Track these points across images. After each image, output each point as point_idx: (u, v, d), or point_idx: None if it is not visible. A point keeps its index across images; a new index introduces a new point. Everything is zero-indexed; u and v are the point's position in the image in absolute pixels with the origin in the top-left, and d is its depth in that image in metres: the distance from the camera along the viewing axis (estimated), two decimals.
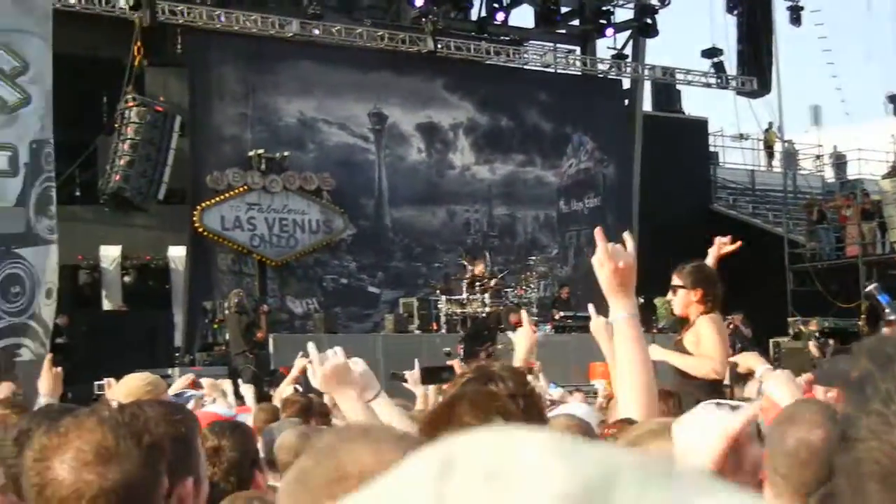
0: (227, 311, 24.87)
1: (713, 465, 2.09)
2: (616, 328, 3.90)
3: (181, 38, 29.48)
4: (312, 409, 9.17)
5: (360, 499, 0.60)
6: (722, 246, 8.86)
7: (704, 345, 8.19)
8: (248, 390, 11.11)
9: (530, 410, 3.70)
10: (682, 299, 8.39)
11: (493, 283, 27.58)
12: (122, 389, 6.35)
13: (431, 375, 8.37)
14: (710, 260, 8.74)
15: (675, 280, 8.45)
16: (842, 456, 1.28)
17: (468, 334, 25.10)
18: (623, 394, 3.96)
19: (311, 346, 5.25)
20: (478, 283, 27.48)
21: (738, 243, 8.84)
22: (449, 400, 3.29)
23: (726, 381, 8.56)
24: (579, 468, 0.58)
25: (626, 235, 4.02)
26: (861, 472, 1.24)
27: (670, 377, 8.34)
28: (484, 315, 26.56)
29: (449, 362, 9.82)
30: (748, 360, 7.24)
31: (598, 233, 3.99)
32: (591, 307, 4.07)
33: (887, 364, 1.26)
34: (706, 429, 2.16)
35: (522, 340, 6.68)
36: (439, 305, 27.68)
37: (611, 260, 3.83)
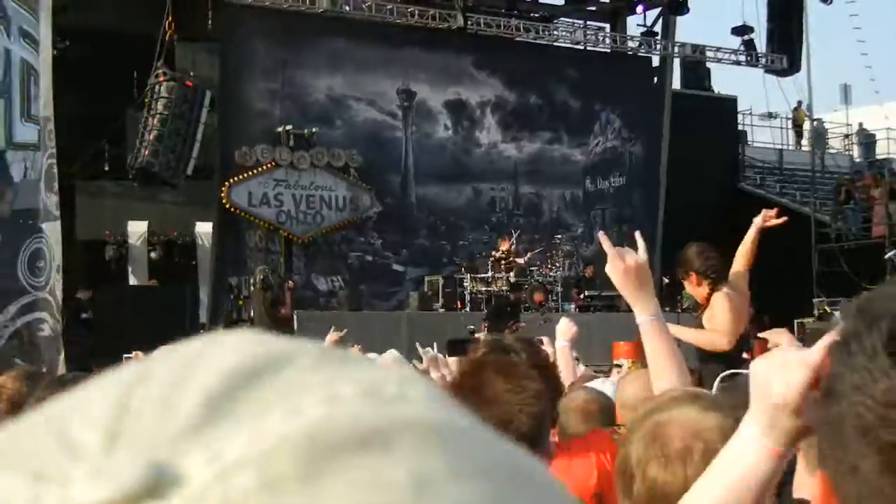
0: (252, 287, 24.94)
1: (796, 397, 2.02)
2: (642, 330, 3.90)
3: (212, 13, 29.41)
4: None
5: (52, 407, 0.63)
6: (768, 217, 8.76)
7: (716, 319, 8.34)
8: None
9: (547, 378, 3.77)
10: (689, 288, 8.61)
11: (520, 260, 27.62)
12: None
13: (456, 348, 8.51)
14: (750, 232, 8.69)
15: (679, 276, 8.65)
16: (824, 411, 1.32)
17: (491, 312, 25.10)
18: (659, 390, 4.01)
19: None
20: (503, 262, 27.49)
21: (784, 218, 8.74)
22: (474, 365, 3.34)
23: (746, 356, 8.59)
24: (260, 348, 0.64)
25: (637, 235, 4.03)
26: (842, 427, 1.27)
27: (692, 356, 8.45)
28: (506, 293, 26.51)
29: (477, 335, 9.93)
30: (779, 336, 7.28)
31: (602, 238, 4.00)
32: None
33: (874, 322, 1.28)
34: (785, 362, 2.09)
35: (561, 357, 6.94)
36: (464, 283, 27.68)
37: (621, 263, 3.82)
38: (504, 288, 27.08)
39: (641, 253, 3.88)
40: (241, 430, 0.57)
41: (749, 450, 2.08)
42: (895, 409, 1.25)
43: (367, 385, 0.61)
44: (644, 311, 3.82)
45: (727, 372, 5.66)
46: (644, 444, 2.65)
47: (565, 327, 7.36)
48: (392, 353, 5.26)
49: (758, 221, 8.69)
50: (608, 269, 3.85)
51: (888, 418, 1.25)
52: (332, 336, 10.94)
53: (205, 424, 0.58)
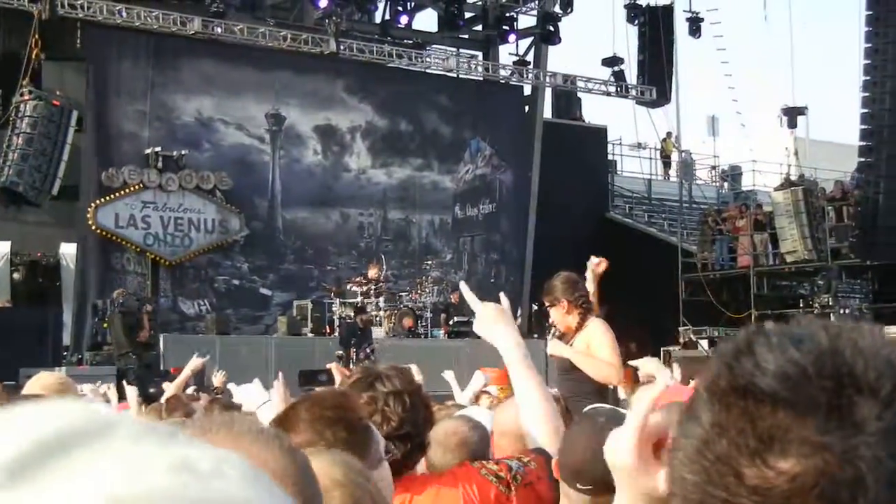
0: (111, 311, 24.63)
1: (627, 458, 2.02)
2: (508, 366, 3.90)
3: (81, 33, 29.10)
4: (191, 409, 9.14)
5: None
6: (595, 268, 9.09)
7: (600, 350, 8.33)
8: (131, 391, 11.05)
9: (416, 408, 3.73)
10: (557, 316, 8.58)
11: (386, 286, 27.70)
12: (36, 385, 6.39)
13: (309, 379, 8.50)
14: (589, 284, 8.92)
15: (545, 301, 8.67)
16: (666, 466, 1.37)
17: (343, 338, 24.98)
18: (530, 426, 3.97)
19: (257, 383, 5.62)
20: (372, 287, 27.50)
21: (604, 261, 9.15)
22: (299, 399, 3.31)
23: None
24: (77, 418, 0.64)
25: (502, 296, 4.05)
26: (672, 480, 1.29)
27: (557, 381, 8.48)
28: (352, 317, 26.35)
29: (328, 365, 9.97)
30: (649, 366, 7.37)
31: (463, 289, 4.00)
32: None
33: (712, 385, 1.29)
34: (619, 430, 2.09)
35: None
36: (333, 308, 27.62)
37: (489, 322, 3.85)
38: (374, 313, 27.07)
39: (505, 306, 3.91)
40: (41, 499, 0.58)
41: None
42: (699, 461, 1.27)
43: (182, 460, 0.63)
44: (508, 345, 3.84)
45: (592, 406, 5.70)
46: None
47: (479, 382, 7.55)
48: (255, 384, 5.25)
49: (590, 276, 8.99)
50: (476, 328, 3.89)
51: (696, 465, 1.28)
52: (195, 363, 10.87)
53: (3, 490, 0.58)
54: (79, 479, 0.58)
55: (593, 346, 8.35)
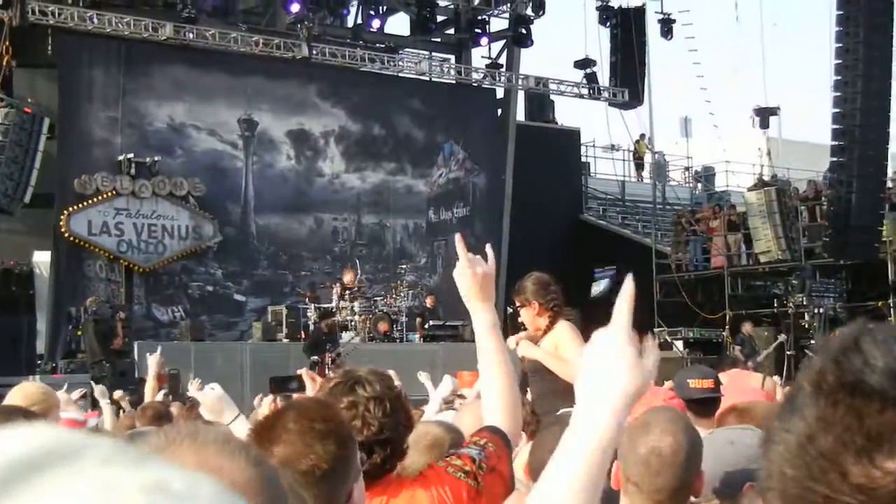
0: (84, 318, 24.52)
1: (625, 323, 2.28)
2: (477, 337, 3.88)
3: (52, 39, 28.96)
4: (167, 416, 9.10)
5: None
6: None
7: (568, 352, 8.30)
8: (100, 393, 10.98)
9: (396, 413, 3.71)
10: (527, 317, 8.55)
11: (360, 291, 27.68)
12: (18, 395, 6.36)
13: (279, 385, 8.49)
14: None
15: (516, 301, 8.63)
16: (761, 458, 1.32)
17: (308, 344, 24.91)
18: (488, 402, 3.96)
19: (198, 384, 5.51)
20: (348, 292, 27.46)
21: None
22: (281, 409, 3.28)
23: None
24: (48, 441, 0.64)
25: (488, 248, 4.00)
26: (768, 474, 1.28)
27: (529, 382, 8.48)
28: (317, 322, 26.29)
29: (298, 371, 9.92)
30: None
31: (457, 240, 3.95)
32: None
33: (818, 380, 1.27)
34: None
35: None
36: (308, 314, 27.58)
37: (470, 268, 3.80)
38: (349, 318, 27.05)
39: (491, 263, 3.85)
40: None
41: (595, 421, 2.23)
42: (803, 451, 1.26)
43: (154, 480, 0.64)
44: (483, 318, 3.83)
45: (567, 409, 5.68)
46: None
47: (447, 387, 7.52)
48: (216, 390, 5.15)
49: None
50: (456, 272, 3.84)
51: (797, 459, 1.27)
52: (155, 360, 10.81)
53: None
54: (50, 500, 0.59)
55: (561, 348, 8.35)
